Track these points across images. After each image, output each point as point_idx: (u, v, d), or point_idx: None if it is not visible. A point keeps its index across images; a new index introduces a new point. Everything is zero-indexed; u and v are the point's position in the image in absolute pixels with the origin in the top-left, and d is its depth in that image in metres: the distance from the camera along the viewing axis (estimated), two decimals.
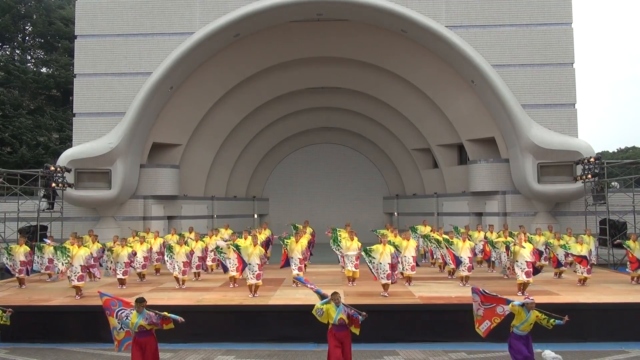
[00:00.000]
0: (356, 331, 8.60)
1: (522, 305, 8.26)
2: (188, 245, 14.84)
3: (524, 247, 12.98)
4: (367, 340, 10.84)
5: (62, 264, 13.69)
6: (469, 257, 14.38)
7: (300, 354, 10.45)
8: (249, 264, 12.99)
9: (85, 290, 13.79)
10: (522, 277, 12.76)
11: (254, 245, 13.18)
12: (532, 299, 8.43)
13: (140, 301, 8.27)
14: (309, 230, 17.26)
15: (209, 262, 17.01)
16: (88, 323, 11.79)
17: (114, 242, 15.91)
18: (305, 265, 15.10)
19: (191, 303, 12.30)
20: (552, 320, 8.20)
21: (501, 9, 20.92)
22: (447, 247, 14.79)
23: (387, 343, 11.08)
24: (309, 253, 15.29)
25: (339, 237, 15.02)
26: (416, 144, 27.94)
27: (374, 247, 13.10)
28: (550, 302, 11.20)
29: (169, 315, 8.29)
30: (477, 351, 10.54)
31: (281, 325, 11.58)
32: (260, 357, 10.28)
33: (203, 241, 16.65)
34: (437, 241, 15.69)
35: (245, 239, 15.06)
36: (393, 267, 12.92)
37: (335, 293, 8.61)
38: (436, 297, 12.59)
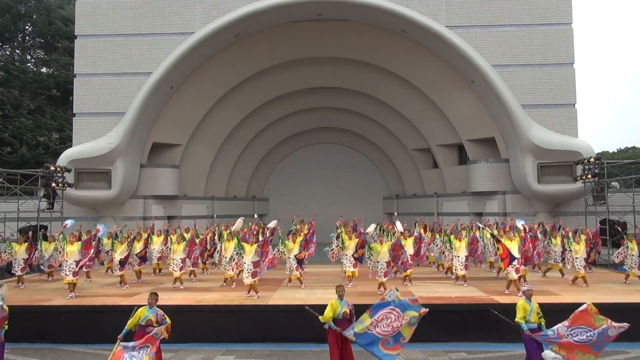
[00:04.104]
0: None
1: (523, 292, 8.53)
2: (184, 241, 14.95)
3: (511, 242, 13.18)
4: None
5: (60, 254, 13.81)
6: (465, 256, 14.42)
7: (300, 354, 10.46)
8: (244, 262, 12.98)
9: (84, 290, 13.82)
10: (513, 274, 12.82)
11: (250, 244, 13.17)
12: (528, 287, 8.71)
13: (155, 295, 8.42)
14: (305, 229, 17.25)
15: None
16: (88, 323, 11.80)
17: (107, 238, 16.08)
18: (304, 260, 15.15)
19: (191, 303, 12.31)
20: (542, 319, 8.33)
21: (501, 9, 20.92)
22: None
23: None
24: (311, 246, 15.32)
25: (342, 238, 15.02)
26: (416, 144, 27.93)
27: (372, 245, 13.30)
28: (551, 302, 11.20)
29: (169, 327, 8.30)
30: (477, 351, 10.54)
31: (281, 325, 11.57)
32: (260, 357, 10.28)
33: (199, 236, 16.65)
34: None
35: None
36: (389, 263, 13.24)
37: (339, 286, 8.64)
38: (436, 297, 12.59)
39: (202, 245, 16.36)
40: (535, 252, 15.07)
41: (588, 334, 7.65)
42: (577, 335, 7.70)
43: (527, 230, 14.93)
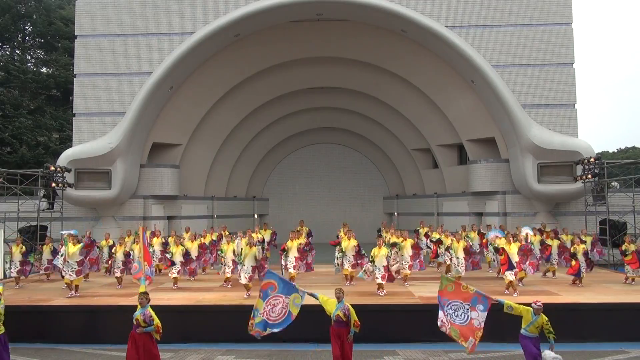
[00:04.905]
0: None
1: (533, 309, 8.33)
2: (183, 245, 14.93)
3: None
4: (367, 340, 10.86)
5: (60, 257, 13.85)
6: (464, 257, 14.44)
7: (300, 354, 10.45)
8: (243, 265, 12.98)
9: (84, 290, 13.81)
10: (510, 277, 12.82)
11: (249, 247, 13.16)
12: (540, 304, 8.41)
13: (146, 294, 8.38)
14: (305, 230, 17.25)
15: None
16: (88, 323, 11.80)
17: (105, 240, 16.08)
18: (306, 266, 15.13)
19: (191, 303, 12.30)
20: (552, 334, 8.25)
21: (501, 9, 20.92)
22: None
23: (387, 343, 11.08)
24: (308, 254, 15.27)
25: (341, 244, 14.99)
26: (416, 144, 27.94)
27: (372, 251, 13.32)
28: (550, 302, 11.18)
29: (159, 329, 8.32)
30: (477, 351, 10.49)
31: None
32: (260, 357, 10.28)
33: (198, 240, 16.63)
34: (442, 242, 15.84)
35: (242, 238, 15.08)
36: (387, 267, 13.16)
37: (338, 288, 8.64)
38: (436, 297, 12.55)
39: (202, 249, 16.30)
40: (528, 263, 14.66)
41: (462, 310, 8.41)
42: (455, 312, 8.47)
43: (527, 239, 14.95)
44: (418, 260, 14.99)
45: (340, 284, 14.33)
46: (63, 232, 15.91)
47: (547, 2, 20.87)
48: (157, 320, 8.23)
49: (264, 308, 8.40)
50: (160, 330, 8.28)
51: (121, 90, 21.08)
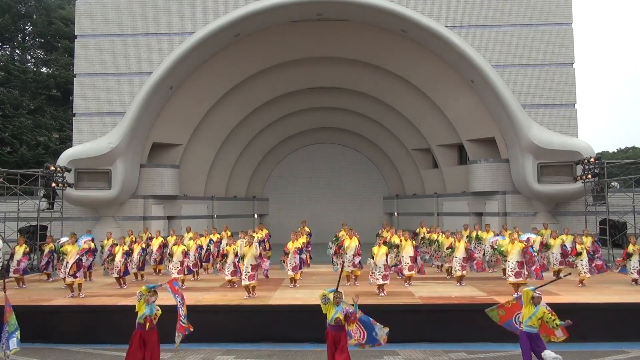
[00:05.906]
0: (352, 327, 8.37)
1: (532, 298, 8.35)
2: (183, 245, 14.94)
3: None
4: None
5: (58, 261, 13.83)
6: (463, 257, 14.44)
7: (300, 354, 10.45)
8: (244, 265, 12.99)
9: (84, 290, 13.80)
10: (512, 278, 12.80)
11: (248, 246, 13.18)
12: (539, 294, 8.47)
13: (155, 292, 8.38)
14: (306, 230, 17.27)
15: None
16: (88, 323, 11.80)
17: (108, 239, 16.10)
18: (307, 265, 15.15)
19: (191, 303, 12.28)
20: (557, 320, 8.25)
21: (501, 9, 20.92)
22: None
23: (387, 343, 11.05)
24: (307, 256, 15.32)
25: (337, 239, 15.02)
26: (416, 144, 27.94)
27: (372, 250, 13.32)
28: (550, 302, 11.17)
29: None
30: (477, 351, 10.53)
31: (281, 325, 11.58)
32: (260, 357, 10.27)
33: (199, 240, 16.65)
34: (431, 242, 15.84)
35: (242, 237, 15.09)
36: (387, 267, 13.14)
37: (337, 292, 8.57)
38: (436, 297, 12.60)
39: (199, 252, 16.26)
40: (533, 269, 14.34)
41: None
42: None
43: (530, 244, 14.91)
44: (419, 265, 14.94)
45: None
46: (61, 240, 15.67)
47: (547, 2, 20.87)
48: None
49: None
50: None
51: (121, 90, 21.07)
